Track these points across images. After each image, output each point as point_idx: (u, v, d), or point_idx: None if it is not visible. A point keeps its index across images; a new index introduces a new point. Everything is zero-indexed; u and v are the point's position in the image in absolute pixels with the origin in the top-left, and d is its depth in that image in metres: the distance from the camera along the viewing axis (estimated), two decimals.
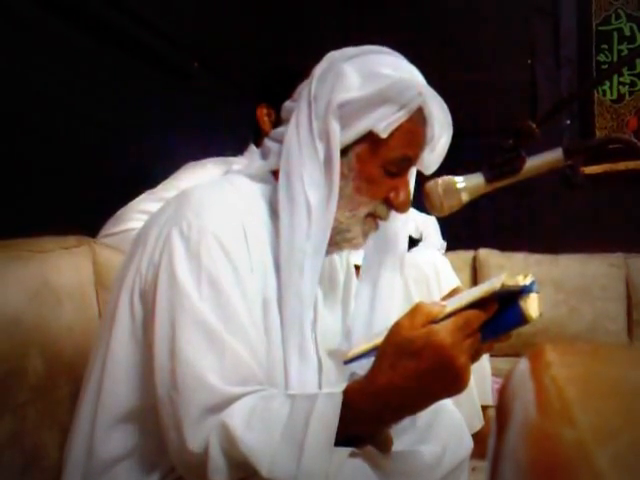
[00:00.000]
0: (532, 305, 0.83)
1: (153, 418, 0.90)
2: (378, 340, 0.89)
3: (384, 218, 1.04)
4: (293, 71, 1.71)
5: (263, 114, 1.90)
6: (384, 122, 0.95)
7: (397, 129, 0.96)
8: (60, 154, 1.67)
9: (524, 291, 0.83)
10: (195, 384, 0.85)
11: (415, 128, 0.99)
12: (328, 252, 1.00)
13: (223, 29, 2.62)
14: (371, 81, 0.96)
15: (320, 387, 1.03)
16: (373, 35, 1.15)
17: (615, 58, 3.05)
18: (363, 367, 0.92)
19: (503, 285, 0.80)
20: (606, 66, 3.06)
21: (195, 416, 0.84)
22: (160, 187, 1.73)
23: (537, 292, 0.84)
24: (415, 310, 0.85)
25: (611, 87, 3.07)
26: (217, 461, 0.83)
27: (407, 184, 1.03)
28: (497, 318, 0.84)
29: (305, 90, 1.00)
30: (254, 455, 0.81)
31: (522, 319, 0.83)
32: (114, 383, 0.93)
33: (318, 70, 1.00)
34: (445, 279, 2.09)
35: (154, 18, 2.13)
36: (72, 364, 1.10)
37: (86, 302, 1.21)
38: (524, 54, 3.12)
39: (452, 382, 0.82)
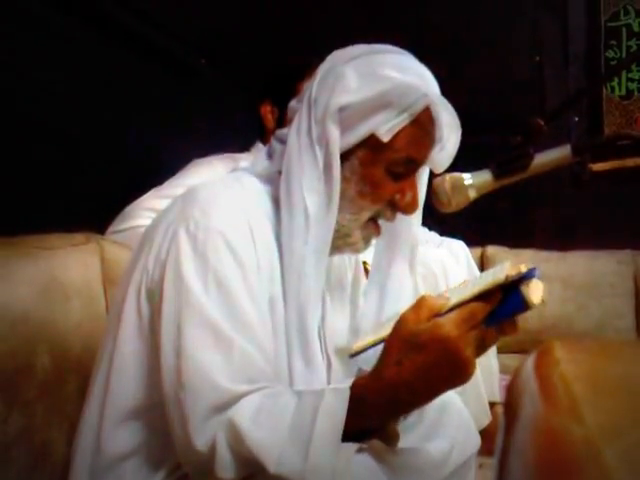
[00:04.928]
0: (534, 291, 0.83)
1: (160, 415, 0.90)
2: (383, 332, 0.90)
3: (389, 220, 1.02)
4: (296, 68, 1.71)
5: (267, 111, 1.89)
6: (386, 126, 0.93)
7: (401, 131, 0.94)
8: (67, 151, 1.68)
9: (525, 277, 0.83)
10: (202, 383, 0.85)
11: (421, 130, 0.96)
12: (330, 255, 0.99)
13: (231, 26, 2.61)
14: (370, 83, 0.93)
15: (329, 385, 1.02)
16: (379, 34, 1.14)
17: (624, 54, 3.02)
18: (369, 362, 0.92)
19: (507, 278, 0.81)
20: (615, 62, 3.04)
21: (202, 415, 0.84)
22: (167, 184, 1.73)
23: (539, 277, 0.84)
24: (419, 303, 0.85)
25: (620, 83, 3.05)
26: (224, 458, 0.83)
27: (414, 185, 1.00)
28: (500, 306, 0.84)
29: (307, 92, 0.98)
30: (261, 451, 0.81)
31: (524, 305, 0.83)
32: (121, 380, 0.93)
33: (321, 71, 0.98)
34: (453, 277, 2.09)
35: (161, 15, 2.13)
36: (80, 361, 1.10)
37: (94, 299, 1.21)
38: (532, 51, 3.11)
39: (458, 374, 0.83)
